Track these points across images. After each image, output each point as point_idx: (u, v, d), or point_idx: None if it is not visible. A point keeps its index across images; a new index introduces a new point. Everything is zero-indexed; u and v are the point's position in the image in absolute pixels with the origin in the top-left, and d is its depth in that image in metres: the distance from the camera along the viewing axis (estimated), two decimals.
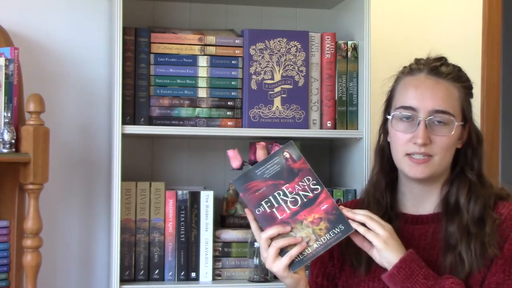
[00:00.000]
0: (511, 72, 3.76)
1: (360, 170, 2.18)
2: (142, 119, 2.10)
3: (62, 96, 2.32)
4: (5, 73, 2.02)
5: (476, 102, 2.57)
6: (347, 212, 1.63)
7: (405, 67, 1.76)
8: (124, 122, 2.07)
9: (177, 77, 2.13)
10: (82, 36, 2.34)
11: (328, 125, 2.20)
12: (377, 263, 1.63)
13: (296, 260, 1.61)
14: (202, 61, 2.14)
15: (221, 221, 2.27)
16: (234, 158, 1.75)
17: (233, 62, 2.16)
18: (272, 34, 2.16)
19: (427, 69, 1.69)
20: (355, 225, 1.61)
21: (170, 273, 2.13)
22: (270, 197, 1.64)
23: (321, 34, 2.21)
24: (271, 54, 2.15)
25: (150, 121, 2.11)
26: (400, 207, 1.76)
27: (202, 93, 2.14)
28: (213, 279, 2.16)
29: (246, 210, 1.66)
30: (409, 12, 2.60)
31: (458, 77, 1.70)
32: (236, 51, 2.16)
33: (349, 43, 2.22)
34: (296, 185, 1.64)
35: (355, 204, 1.81)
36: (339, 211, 1.63)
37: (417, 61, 1.74)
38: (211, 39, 2.15)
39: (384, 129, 1.78)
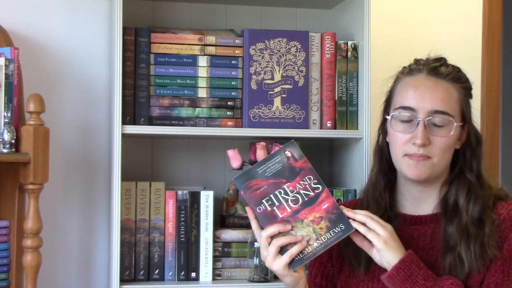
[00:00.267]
0: (511, 72, 3.76)
1: (360, 170, 2.18)
2: (142, 119, 2.10)
3: (62, 96, 2.32)
4: (5, 73, 2.02)
5: (476, 102, 2.57)
6: (347, 211, 1.63)
7: (404, 67, 1.76)
8: (124, 122, 2.07)
9: (177, 77, 2.13)
10: (82, 36, 2.34)
11: (328, 125, 2.20)
12: (377, 263, 1.64)
13: (296, 258, 1.61)
14: (202, 61, 2.14)
15: (221, 221, 2.27)
16: (234, 158, 1.75)
17: (233, 62, 2.16)
18: (272, 34, 2.16)
19: (427, 70, 1.69)
20: (355, 225, 1.61)
21: (170, 273, 2.13)
22: (271, 196, 1.64)
23: (321, 34, 2.21)
24: (271, 54, 2.15)
25: (150, 121, 2.11)
26: (399, 208, 1.76)
27: (202, 93, 2.14)
28: (213, 279, 2.16)
29: (247, 208, 1.66)
30: (409, 12, 2.60)
31: (457, 77, 1.70)
32: (236, 51, 2.16)
33: (349, 43, 2.22)
34: (297, 184, 1.65)
35: (354, 204, 1.81)
36: (339, 211, 1.63)
37: (417, 61, 1.74)
38: (211, 39, 2.15)
39: (383, 129, 1.78)
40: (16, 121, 2.05)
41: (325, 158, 2.45)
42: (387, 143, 1.75)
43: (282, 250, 1.61)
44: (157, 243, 2.13)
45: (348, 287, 1.75)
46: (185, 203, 2.14)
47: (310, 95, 2.19)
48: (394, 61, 1.82)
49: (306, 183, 1.65)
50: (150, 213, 2.12)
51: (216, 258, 2.17)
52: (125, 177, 2.08)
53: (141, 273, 2.12)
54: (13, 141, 1.99)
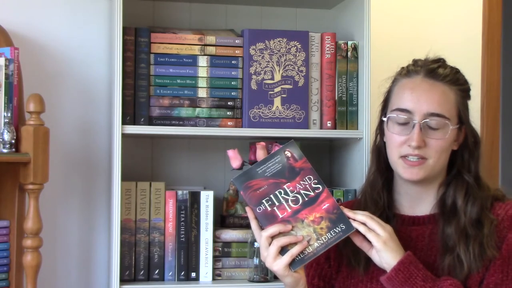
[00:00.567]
0: (511, 72, 3.76)
1: (360, 170, 2.18)
2: (142, 119, 2.10)
3: (62, 96, 2.32)
4: (5, 73, 2.02)
5: (476, 102, 2.59)
6: (348, 211, 1.63)
7: (402, 68, 1.75)
8: (124, 122, 2.07)
9: (177, 77, 2.13)
10: (82, 36, 2.34)
11: (328, 125, 2.20)
12: (375, 264, 1.63)
13: (297, 259, 1.61)
14: (202, 61, 2.14)
15: (221, 221, 2.27)
16: (234, 158, 1.74)
17: (233, 62, 2.16)
18: (272, 34, 2.16)
19: (424, 71, 1.69)
20: (355, 224, 1.61)
21: (170, 273, 2.13)
22: (271, 196, 1.64)
23: (321, 34, 2.21)
24: (271, 54, 2.15)
25: (150, 121, 2.11)
26: (397, 208, 1.76)
27: (202, 93, 2.14)
28: (213, 279, 2.16)
29: (247, 209, 1.65)
30: (409, 12, 2.60)
31: (455, 79, 1.70)
32: (236, 51, 2.16)
33: (349, 43, 2.22)
34: (297, 184, 1.64)
35: (352, 205, 1.81)
36: (340, 211, 1.63)
37: (415, 62, 1.74)
38: (211, 39, 2.15)
39: (380, 130, 1.78)
40: (16, 121, 2.05)
41: (325, 158, 2.45)
42: (385, 143, 1.75)
43: (282, 250, 1.61)
44: (157, 243, 2.13)
45: None
46: (185, 203, 2.14)
47: (310, 95, 2.19)
48: (394, 61, 1.82)
49: (306, 183, 1.65)
50: (150, 213, 2.12)
51: (216, 258, 2.17)
52: (125, 177, 2.08)
53: (141, 273, 2.12)
54: (13, 141, 1.99)
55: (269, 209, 1.63)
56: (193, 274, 2.14)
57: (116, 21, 2.06)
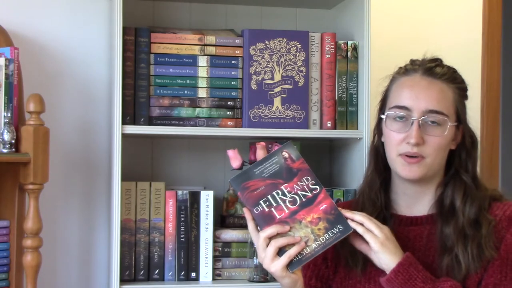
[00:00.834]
0: (511, 72, 3.76)
1: (360, 170, 2.18)
2: (142, 119, 2.10)
3: (62, 96, 2.32)
4: (5, 73, 2.02)
5: (476, 102, 2.59)
6: (346, 212, 1.63)
7: (400, 67, 1.76)
8: (124, 122, 2.07)
9: (177, 77, 2.13)
10: (82, 36, 2.34)
11: (328, 125, 2.20)
12: (373, 264, 1.63)
13: (295, 260, 1.60)
14: (202, 61, 2.14)
15: (221, 221, 2.27)
16: (234, 158, 1.74)
17: (233, 62, 2.16)
18: (272, 34, 2.16)
19: (422, 70, 1.70)
20: (353, 225, 1.61)
21: (170, 273, 2.13)
22: (269, 197, 1.63)
23: (321, 34, 2.21)
24: (271, 54, 2.15)
25: (150, 121, 2.11)
26: (394, 208, 1.76)
27: (202, 93, 2.14)
28: (213, 279, 2.16)
29: (244, 209, 1.65)
30: (409, 12, 2.60)
31: (453, 78, 1.70)
32: (236, 51, 2.16)
33: (349, 43, 2.22)
34: (295, 185, 1.64)
35: (350, 205, 1.81)
36: (338, 211, 1.63)
37: (412, 61, 1.74)
38: (211, 39, 2.15)
39: (378, 129, 1.78)
40: (16, 121, 2.05)
41: (325, 158, 2.45)
42: (383, 143, 1.75)
43: (280, 251, 1.60)
44: (157, 243, 2.13)
45: None
46: (185, 203, 2.14)
47: (310, 95, 2.19)
48: (394, 61, 1.82)
49: (304, 184, 1.65)
50: (150, 213, 2.12)
51: (216, 258, 2.17)
52: (125, 177, 2.08)
53: (141, 273, 2.12)
54: (13, 141, 1.99)
55: (266, 210, 1.63)
56: (193, 274, 2.14)
57: (116, 21, 2.06)
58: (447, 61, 1.75)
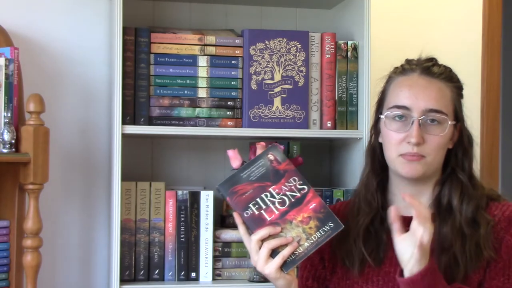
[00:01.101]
0: (511, 72, 3.76)
1: (360, 170, 2.17)
2: (142, 119, 2.10)
3: (62, 96, 2.32)
4: (5, 73, 2.02)
5: (476, 102, 2.58)
6: (413, 200, 1.53)
7: (396, 67, 1.75)
8: (124, 122, 2.07)
9: (177, 77, 2.13)
10: (82, 36, 2.34)
11: (328, 125, 2.20)
12: (370, 265, 1.63)
13: (289, 260, 1.60)
14: (202, 61, 2.14)
15: (221, 221, 2.27)
16: (234, 158, 1.75)
17: (233, 62, 2.16)
18: (272, 34, 2.16)
19: (420, 69, 1.69)
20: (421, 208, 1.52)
21: (170, 273, 2.13)
22: (258, 199, 1.64)
23: (321, 34, 2.21)
24: (271, 54, 2.15)
25: (150, 121, 2.11)
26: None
27: (202, 93, 2.14)
28: (213, 279, 2.16)
29: (234, 214, 1.65)
30: (409, 12, 2.60)
31: (450, 77, 1.70)
32: (236, 51, 2.16)
33: (349, 43, 2.22)
34: (282, 186, 1.64)
35: (345, 206, 1.81)
36: (327, 209, 1.63)
37: (409, 61, 1.74)
38: (211, 39, 2.15)
39: (375, 130, 1.77)
40: (16, 121, 2.05)
41: (325, 158, 2.45)
42: (379, 144, 1.75)
43: (273, 253, 1.60)
44: (157, 243, 2.13)
45: None
46: (185, 203, 2.14)
47: (310, 95, 2.19)
48: (394, 61, 1.82)
49: (292, 184, 1.65)
50: (150, 213, 2.12)
51: (216, 258, 2.17)
52: (125, 177, 2.08)
53: (141, 273, 2.12)
54: (13, 141, 1.99)
55: (256, 212, 1.63)
56: (193, 274, 2.14)
57: (116, 21, 2.06)
58: (447, 62, 1.74)
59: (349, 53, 2.22)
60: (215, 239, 2.17)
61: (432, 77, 1.68)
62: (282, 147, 1.87)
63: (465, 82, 1.75)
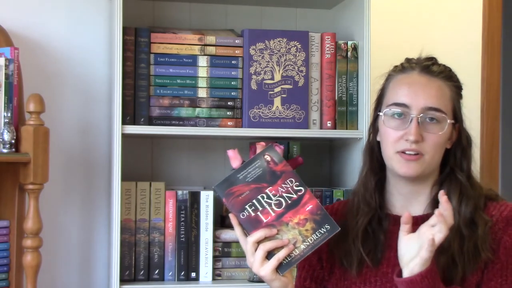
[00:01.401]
0: (511, 72, 3.76)
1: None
2: (142, 119, 2.10)
3: (62, 96, 2.32)
4: (5, 73, 2.02)
5: (476, 102, 2.59)
6: (445, 198, 1.53)
7: (396, 66, 1.75)
8: (124, 122, 2.07)
9: (177, 77, 2.13)
10: (82, 36, 2.34)
11: (328, 125, 2.20)
12: (368, 265, 1.63)
13: (284, 262, 1.60)
14: (202, 61, 2.14)
15: (221, 221, 2.27)
16: (234, 158, 1.74)
17: (233, 62, 2.16)
18: (272, 34, 2.16)
19: (420, 68, 1.69)
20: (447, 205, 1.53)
21: (170, 273, 2.13)
22: (254, 201, 1.63)
23: (321, 34, 2.21)
24: (271, 54, 2.15)
25: (150, 121, 2.11)
26: (389, 208, 1.74)
27: (202, 93, 2.14)
28: (213, 279, 2.16)
29: (230, 215, 1.65)
30: (409, 12, 2.60)
31: (449, 76, 1.70)
32: (236, 51, 2.16)
33: (349, 43, 2.22)
34: (279, 188, 1.64)
35: (343, 205, 1.80)
36: (324, 211, 1.63)
37: (408, 60, 1.74)
38: (211, 39, 2.15)
39: (374, 128, 1.76)
40: (16, 121, 2.05)
41: (325, 158, 2.45)
42: (378, 142, 1.74)
43: (269, 254, 1.60)
44: (157, 243, 2.13)
45: None
46: (185, 203, 2.14)
47: (310, 95, 2.19)
48: (394, 61, 1.82)
49: (288, 186, 1.64)
50: (150, 213, 2.12)
51: (216, 258, 2.17)
52: (125, 177, 2.08)
53: (141, 273, 2.12)
54: (13, 141, 1.99)
55: (252, 214, 1.63)
56: (193, 274, 2.14)
57: (116, 21, 2.06)
58: (447, 61, 1.74)
59: (349, 53, 2.22)
60: (215, 239, 2.17)
61: (432, 75, 1.68)
62: (282, 147, 1.87)
63: (465, 82, 1.75)
